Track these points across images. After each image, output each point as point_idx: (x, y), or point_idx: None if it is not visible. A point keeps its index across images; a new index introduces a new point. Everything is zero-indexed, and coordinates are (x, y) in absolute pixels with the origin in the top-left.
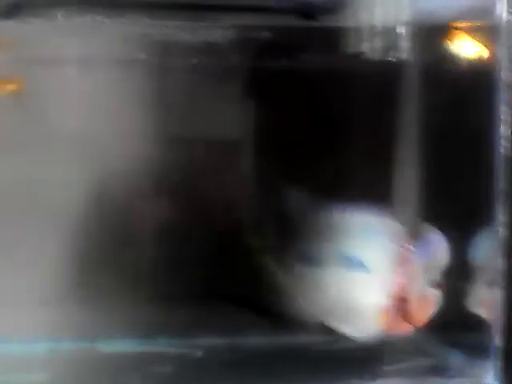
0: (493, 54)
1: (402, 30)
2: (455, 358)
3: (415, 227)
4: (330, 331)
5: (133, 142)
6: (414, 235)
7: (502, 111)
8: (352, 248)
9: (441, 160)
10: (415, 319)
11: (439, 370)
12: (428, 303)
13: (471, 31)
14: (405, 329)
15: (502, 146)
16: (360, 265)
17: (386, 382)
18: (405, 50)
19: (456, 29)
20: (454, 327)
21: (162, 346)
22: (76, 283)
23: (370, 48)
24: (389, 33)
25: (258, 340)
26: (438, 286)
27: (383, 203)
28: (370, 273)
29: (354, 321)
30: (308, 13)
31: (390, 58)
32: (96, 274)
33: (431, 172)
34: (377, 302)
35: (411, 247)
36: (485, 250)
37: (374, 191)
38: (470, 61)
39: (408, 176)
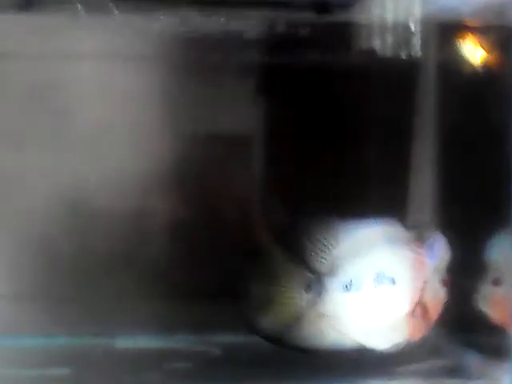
0: (508, 52)
1: (415, 26)
2: (472, 359)
3: (421, 232)
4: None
5: (147, 139)
6: (420, 239)
7: None
8: (377, 263)
9: (456, 161)
10: (432, 320)
11: (455, 371)
12: (440, 303)
13: (486, 29)
14: (424, 332)
15: None
16: (387, 278)
17: (401, 382)
18: (419, 48)
19: (471, 27)
20: (471, 328)
21: (180, 342)
22: (95, 280)
23: (382, 45)
24: (402, 29)
25: None
26: (444, 284)
27: (393, 211)
28: (395, 284)
29: (383, 334)
30: (324, 8)
31: (403, 55)
32: (114, 271)
33: (446, 174)
34: (404, 312)
35: (422, 251)
36: (501, 250)
37: (385, 199)
38: (485, 59)
39: (421, 180)
